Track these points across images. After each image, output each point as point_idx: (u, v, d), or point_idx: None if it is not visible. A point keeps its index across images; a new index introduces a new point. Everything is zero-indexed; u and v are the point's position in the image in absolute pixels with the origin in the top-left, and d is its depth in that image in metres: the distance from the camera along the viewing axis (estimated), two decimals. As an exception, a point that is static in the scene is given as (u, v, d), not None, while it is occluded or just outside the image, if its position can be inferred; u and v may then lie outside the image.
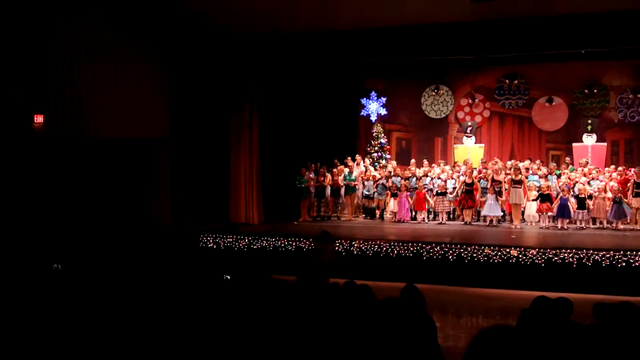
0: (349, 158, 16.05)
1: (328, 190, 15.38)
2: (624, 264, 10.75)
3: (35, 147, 11.69)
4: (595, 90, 16.76)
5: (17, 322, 4.09)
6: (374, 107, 17.96)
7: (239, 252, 12.82)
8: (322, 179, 15.26)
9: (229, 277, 6.21)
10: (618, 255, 10.83)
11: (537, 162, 15.58)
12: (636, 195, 13.47)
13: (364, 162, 16.33)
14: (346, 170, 15.52)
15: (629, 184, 13.67)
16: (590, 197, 13.73)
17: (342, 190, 15.49)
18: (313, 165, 15.42)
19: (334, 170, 15.50)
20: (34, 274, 6.04)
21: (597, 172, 14.59)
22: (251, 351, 3.57)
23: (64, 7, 11.64)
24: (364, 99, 18.07)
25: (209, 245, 13.07)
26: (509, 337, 1.79)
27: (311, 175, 15.21)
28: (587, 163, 15.24)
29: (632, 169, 14.10)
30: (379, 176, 15.41)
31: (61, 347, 3.69)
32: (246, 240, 12.85)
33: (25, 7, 10.88)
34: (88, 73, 12.24)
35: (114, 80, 12.76)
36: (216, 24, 13.86)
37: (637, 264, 10.73)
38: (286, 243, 12.57)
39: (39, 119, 11.30)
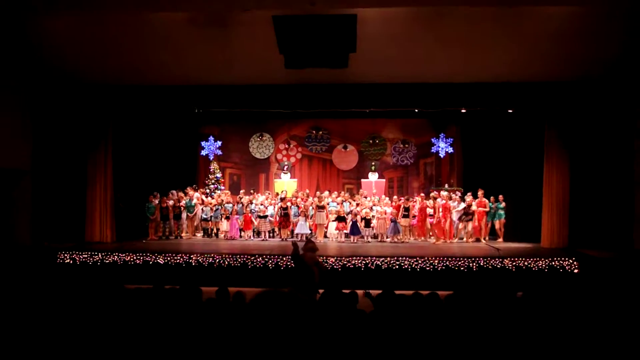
0: (189, 188, 15.71)
1: (171, 214, 14.89)
2: (397, 267, 11.32)
3: None
4: (377, 141, 17.69)
5: None
6: (211, 148, 17.87)
7: (93, 266, 11.96)
8: (165, 205, 14.77)
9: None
10: (393, 260, 11.38)
11: (335, 193, 15.92)
12: (404, 216, 14.37)
13: (202, 192, 16.06)
14: (187, 198, 15.17)
15: (400, 209, 14.46)
16: (372, 218, 14.47)
17: (184, 214, 15.09)
18: (158, 194, 14.90)
19: (176, 198, 15.05)
20: None
21: (378, 200, 15.35)
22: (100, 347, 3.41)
23: None
24: (203, 141, 17.91)
25: (66, 261, 12.04)
26: (280, 297, 1.83)
27: (156, 202, 14.69)
28: (374, 195, 15.93)
29: (402, 198, 14.99)
30: (215, 203, 15.22)
31: None
32: (99, 255, 12.01)
33: None
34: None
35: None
36: (73, 75, 13.10)
37: (405, 266, 11.30)
38: (134, 258, 11.95)
39: None
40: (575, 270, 11.22)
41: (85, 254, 12.06)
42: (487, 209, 14.45)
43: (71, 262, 12.01)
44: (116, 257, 11.98)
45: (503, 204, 14.51)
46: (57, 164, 13.85)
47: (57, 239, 13.43)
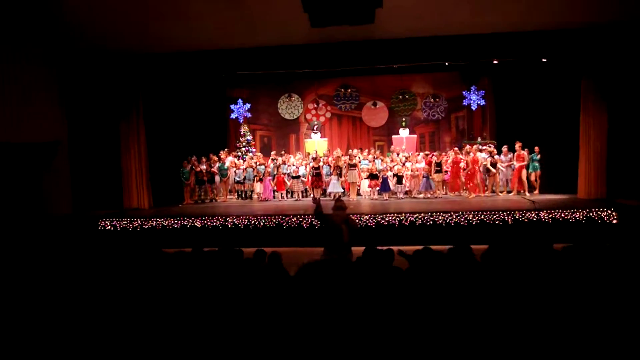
0: (222, 152, 15.86)
1: (206, 179, 15.09)
2: (431, 222, 11.28)
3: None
4: (406, 96, 17.52)
5: None
6: (241, 112, 17.92)
7: (132, 232, 12.29)
8: (199, 170, 14.97)
9: None
10: (427, 216, 11.33)
11: (366, 150, 15.94)
12: (437, 172, 14.25)
13: (234, 155, 16.21)
14: (220, 162, 15.33)
15: (432, 164, 14.31)
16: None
17: (217, 178, 15.28)
18: (192, 158, 15.10)
19: (210, 162, 15.24)
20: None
21: (411, 155, 15.28)
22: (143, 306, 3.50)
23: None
24: (233, 105, 17.96)
25: (107, 228, 12.40)
26: (328, 265, 1.84)
27: (189, 167, 14.90)
28: (403, 150, 15.88)
29: (433, 153, 14.85)
30: (247, 165, 15.36)
31: None
32: (138, 221, 12.32)
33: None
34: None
35: (10, 95, 11.72)
36: (100, 45, 13.11)
37: (439, 222, 11.25)
38: (172, 222, 12.22)
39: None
40: (614, 221, 10.98)
41: (124, 221, 12.35)
42: (525, 162, 14.15)
43: (112, 228, 12.35)
44: (154, 222, 12.25)
45: (538, 156, 14.21)
46: (91, 134, 14.05)
47: (97, 206, 13.80)
